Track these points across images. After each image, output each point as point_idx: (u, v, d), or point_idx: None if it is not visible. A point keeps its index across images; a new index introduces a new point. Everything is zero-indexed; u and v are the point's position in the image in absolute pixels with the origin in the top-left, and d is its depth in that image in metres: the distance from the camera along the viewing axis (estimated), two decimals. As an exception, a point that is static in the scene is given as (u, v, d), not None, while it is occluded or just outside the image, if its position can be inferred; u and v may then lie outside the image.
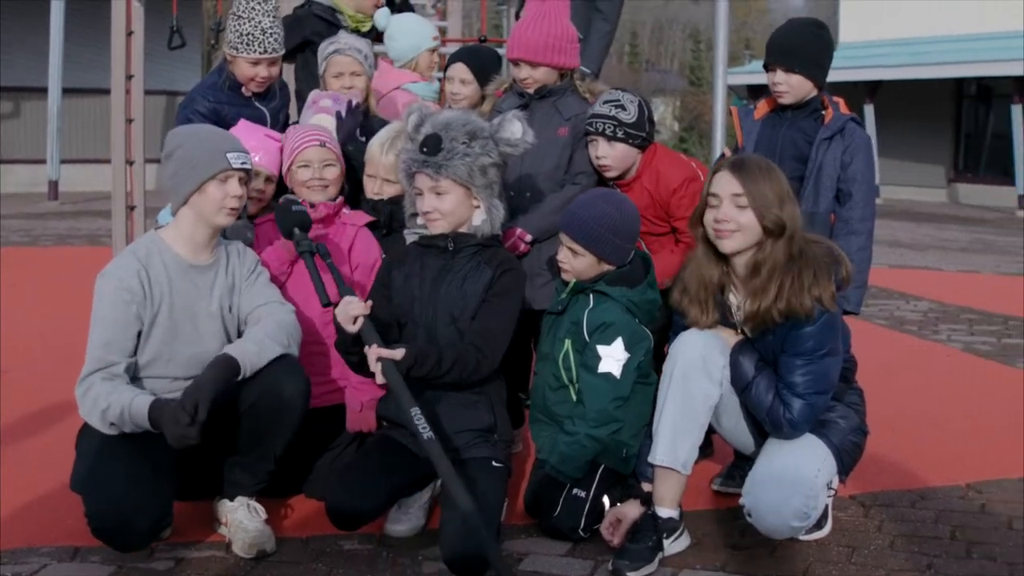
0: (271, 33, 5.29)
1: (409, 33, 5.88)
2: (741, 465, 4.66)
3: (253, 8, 5.26)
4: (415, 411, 3.87)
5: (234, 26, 5.27)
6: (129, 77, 8.65)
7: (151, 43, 8.80)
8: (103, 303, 3.98)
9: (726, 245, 3.97)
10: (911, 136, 28.62)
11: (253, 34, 5.25)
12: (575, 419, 4.33)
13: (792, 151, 4.83)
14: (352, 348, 4.12)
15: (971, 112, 29.56)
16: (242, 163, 4.08)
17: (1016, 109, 24.33)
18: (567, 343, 4.42)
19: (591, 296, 4.40)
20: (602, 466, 4.34)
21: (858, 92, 27.33)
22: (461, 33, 10.24)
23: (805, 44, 4.79)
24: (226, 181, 4.03)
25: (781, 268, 3.91)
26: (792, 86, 4.78)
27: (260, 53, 5.28)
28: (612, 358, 4.31)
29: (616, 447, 4.33)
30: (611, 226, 4.34)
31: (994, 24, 26.13)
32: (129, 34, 8.63)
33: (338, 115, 5.28)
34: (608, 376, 4.31)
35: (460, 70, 5.52)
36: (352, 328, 4.01)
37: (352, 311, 4.00)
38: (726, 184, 3.95)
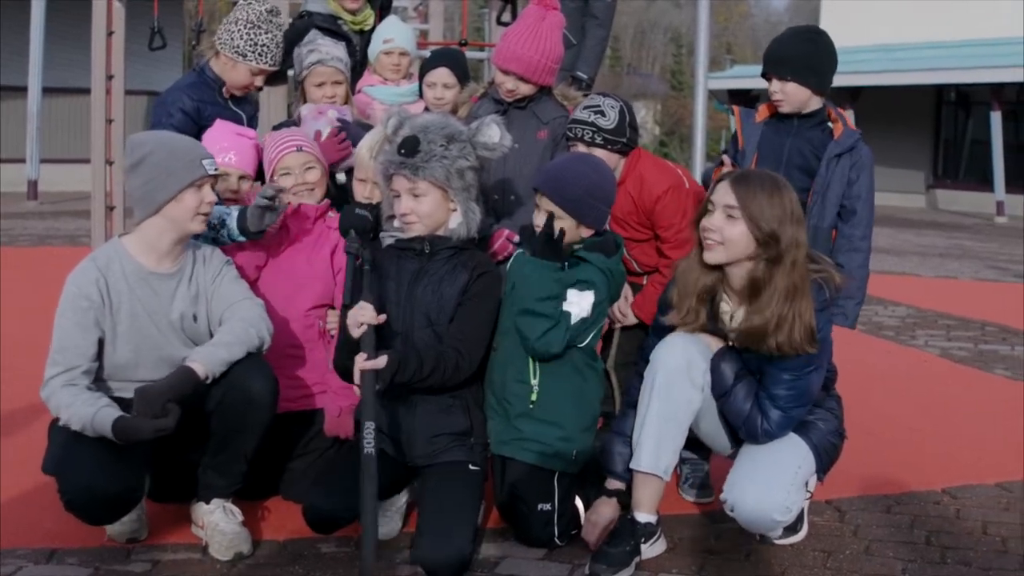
0: (281, 48, 5.39)
1: (374, 36, 5.88)
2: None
3: (270, 20, 5.30)
4: (370, 425, 3.85)
5: (247, 34, 5.26)
6: (110, 77, 8.61)
7: (132, 43, 8.74)
8: (63, 309, 4.01)
9: (709, 256, 3.97)
10: (891, 142, 28.70)
11: (268, 46, 5.29)
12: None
13: (799, 161, 4.82)
14: (351, 354, 4.09)
15: (950, 119, 29.75)
16: (215, 169, 4.11)
17: (995, 116, 24.48)
18: None
19: (565, 264, 4.31)
20: (557, 472, 4.31)
21: (838, 98, 27.36)
22: (443, 36, 10.21)
23: (796, 52, 4.79)
24: (201, 188, 4.04)
25: (781, 297, 3.88)
26: (787, 94, 4.78)
27: (270, 65, 5.34)
28: (577, 305, 4.25)
29: (566, 449, 4.29)
30: (589, 187, 4.30)
31: (974, 31, 26.29)
32: (110, 34, 8.58)
33: (344, 123, 5.33)
34: (566, 317, 4.23)
35: (444, 75, 5.50)
36: (355, 332, 4.01)
37: (361, 317, 3.99)
38: (722, 195, 3.94)
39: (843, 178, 4.81)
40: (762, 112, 4.96)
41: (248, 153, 4.92)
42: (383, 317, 4.03)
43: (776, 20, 77.25)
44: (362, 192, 4.93)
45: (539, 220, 4.32)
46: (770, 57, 4.84)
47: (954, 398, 6.96)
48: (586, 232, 4.35)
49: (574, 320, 4.26)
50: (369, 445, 3.83)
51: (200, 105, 5.33)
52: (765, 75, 4.86)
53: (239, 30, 5.28)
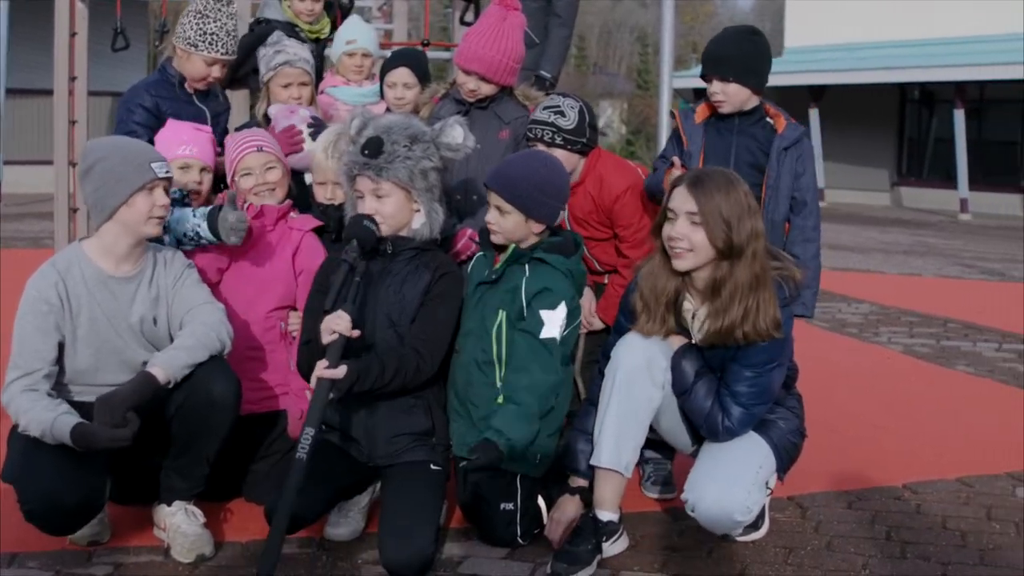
0: (233, 36, 5.35)
1: (337, 37, 5.89)
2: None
3: (219, 9, 5.27)
4: (310, 431, 3.83)
5: (196, 24, 5.24)
6: (73, 78, 8.56)
7: (95, 44, 8.69)
8: (23, 313, 4.00)
9: (680, 264, 3.97)
10: (855, 140, 28.92)
11: (218, 34, 5.25)
12: (519, 389, 4.24)
13: (748, 158, 4.85)
14: (315, 357, 4.05)
15: (914, 117, 29.93)
16: (166, 172, 4.09)
17: (958, 114, 24.65)
18: (501, 314, 4.34)
19: (527, 266, 4.34)
20: (519, 474, 4.30)
21: (803, 96, 27.61)
22: (407, 36, 10.19)
23: (737, 52, 4.81)
24: (152, 191, 4.03)
25: (745, 290, 3.91)
26: (729, 95, 4.81)
27: (222, 54, 5.30)
28: (555, 324, 4.28)
29: (531, 453, 4.28)
30: (537, 182, 4.30)
31: (937, 30, 26.47)
32: (73, 35, 8.54)
33: (316, 120, 5.33)
34: (552, 342, 4.27)
35: (405, 75, 5.51)
36: (325, 339, 3.99)
37: (335, 326, 3.97)
38: (682, 201, 3.94)
39: (791, 171, 4.86)
40: (701, 113, 4.98)
41: (207, 146, 4.92)
42: (357, 332, 4.02)
43: (741, 20, 77.46)
44: (322, 194, 4.93)
45: (490, 217, 4.34)
46: (711, 59, 4.85)
47: (916, 394, 7.01)
48: (536, 227, 4.35)
49: (559, 336, 4.29)
50: (303, 451, 3.80)
51: (159, 101, 5.31)
52: (705, 76, 4.88)
53: (189, 21, 5.27)
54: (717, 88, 4.80)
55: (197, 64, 5.32)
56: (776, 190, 4.84)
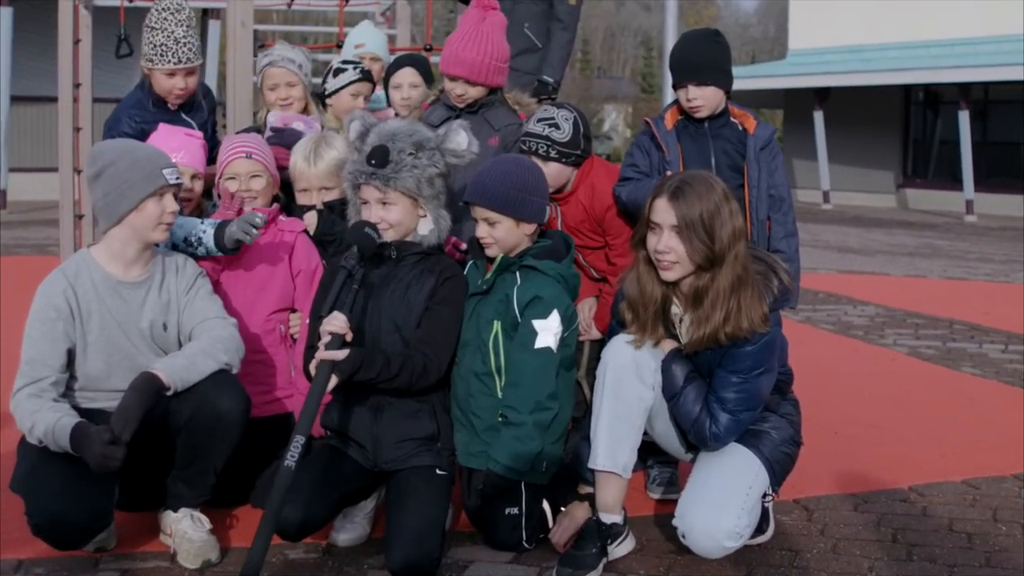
0: (184, 43, 5.21)
1: (346, 42, 5.90)
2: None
3: (165, 18, 5.18)
4: (299, 439, 3.80)
5: (148, 38, 5.20)
6: (77, 85, 8.60)
7: (99, 51, 8.75)
8: (32, 321, 4.01)
9: (668, 276, 3.97)
10: (860, 142, 28.91)
11: (166, 44, 5.18)
12: (515, 408, 4.23)
13: (727, 161, 4.85)
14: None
15: (919, 118, 29.90)
16: (176, 178, 4.10)
17: (963, 115, 24.60)
18: (496, 324, 4.31)
19: (517, 273, 4.33)
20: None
21: (808, 98, 27.61)
22: (411, 40, 10.22)
23: (710, 56, 4.81)
24: (162, 197, 4.03)
25: (726, 294, 3.90)
26: (707, 98, 4.79)
27: (174, 64, 5.22)
28: (549, 332, 4.25)
29: (537, 462, 4.24)
30: (516, 183, 4.28)
31: (941, 31, 26.46)
32: (76, 42, 8.58)
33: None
34: (547, 352, 4.25)
35: (410, 75, 5.52)
36: (324, 340, 3.99)
37: (329, 327, 3.96)
38: (664, 214, 3.93)
39: (767, 169, 4.86)
40: (669, 119, 4.96)
41: (197, 152, 4.90)
42: (351, 335, 4.01)
43: (745, 22, 77.58)
44: (307, 201, 4.91)
45: (481, 232, 4.32)
46: (685, 65, 4.82)
47: (922, 396, 7.00)
48: (528, 228, 4.33)
49: (555, 344, 4.27)
50: (291, 459, 3.77)
51: (144, 125, 5.22)
52: (679, 84, 4.85)
53: (144, 37, 5.23)
54: (695, 93, 4.78)
55: (160, 79, 5.27)
56: (758, 189, 4.84)
